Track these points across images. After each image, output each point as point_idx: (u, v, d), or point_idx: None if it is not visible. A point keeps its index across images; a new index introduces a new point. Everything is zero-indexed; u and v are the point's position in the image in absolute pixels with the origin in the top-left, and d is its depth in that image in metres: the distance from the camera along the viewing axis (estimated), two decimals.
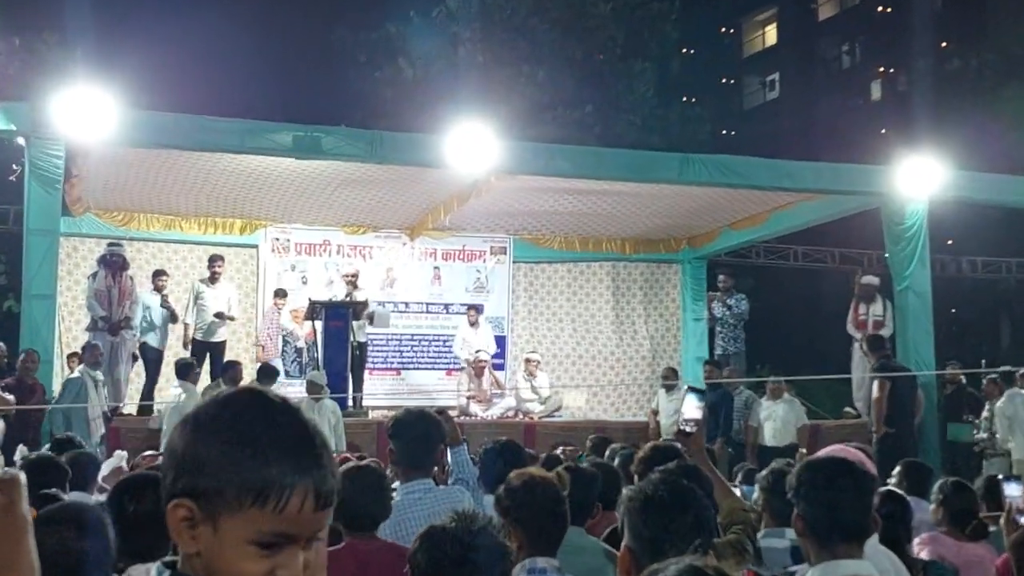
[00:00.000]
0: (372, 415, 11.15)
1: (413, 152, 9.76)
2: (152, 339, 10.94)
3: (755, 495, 3.74)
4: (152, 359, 10.94)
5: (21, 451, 5.72)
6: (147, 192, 11.34)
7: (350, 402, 10.81)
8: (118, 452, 6.07)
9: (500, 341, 12.98)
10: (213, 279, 11.35)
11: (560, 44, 21.31)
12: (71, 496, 4.21)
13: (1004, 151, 17.71)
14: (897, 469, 5.12)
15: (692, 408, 3.46)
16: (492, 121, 10.43)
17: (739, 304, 12.50)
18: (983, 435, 10.63)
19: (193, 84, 17.42)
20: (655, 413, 11.59)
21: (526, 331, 13.85)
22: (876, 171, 11.03)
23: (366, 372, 11.80)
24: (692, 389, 3.60)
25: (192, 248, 12.58)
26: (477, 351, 11.80)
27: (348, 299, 11.22)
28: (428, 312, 13.40)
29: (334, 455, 1.19)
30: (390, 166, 9.99)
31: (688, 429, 3.44)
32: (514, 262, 13.76)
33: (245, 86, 21.14)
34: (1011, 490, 4.20)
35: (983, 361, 14.32)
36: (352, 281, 11.43)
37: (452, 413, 7.46)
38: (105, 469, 5.55)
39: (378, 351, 12.84)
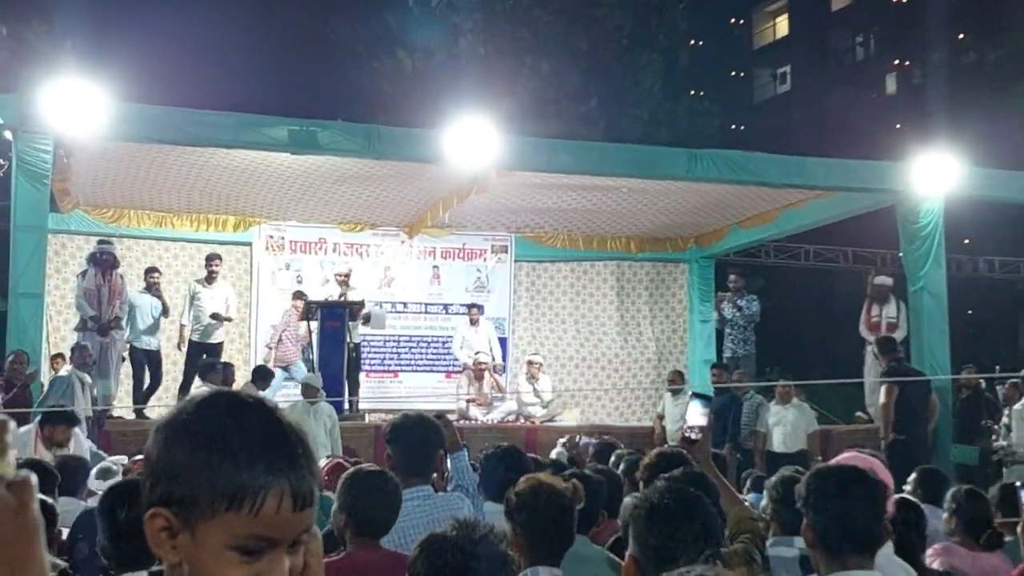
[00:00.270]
0: (369, 419, 11.02)
1: (412, 147, 9.57)
2: (143, 342, 10.64)
3: (763, 503, 3.77)
4: (154, 361, 10.71)
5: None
6: (138, 188, 11.16)
7: (346, 405, 10.66)
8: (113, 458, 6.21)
9: (501, 343, 12.69)
10: (210, 279, 11.15)
11: (565, 35, 21.00)
12: (61, 501, 4.29)
13: (1023, 147, 17.35)
14: (912, 476, 4.99)
15: (697, 415, 3.45)
16: (494, 115, 10.26)
17: (750, 305, 12.20)
18: (1003, 443, 10.27)
19: (186, 76, 17.17)
20: (661, 418, 11.44)
21: (528, 332, 13.61)
22: (891, 167, 10.80)
23: (362, 374, 11.65)
24: (697, 395, 3.59)
25: (184, 246, 12.38)
26: (477, 352, 11.59)
27: (343, 299, 10.99)
28: (427, 312, 13.13)
29: (323, 456, 0.91)
30: (388, 161, 9.80)
31: (693, 436, 3.42)
32: (516, 261, 13.49)
33: (239, 79, 20.87)
34: None
35: (997, 367, 13.97)
36: (344, 281, 11.28)
37: (451, 417, 7.19)
38: (94, 474, 5.60)
39: (375, 353, 12.63)
